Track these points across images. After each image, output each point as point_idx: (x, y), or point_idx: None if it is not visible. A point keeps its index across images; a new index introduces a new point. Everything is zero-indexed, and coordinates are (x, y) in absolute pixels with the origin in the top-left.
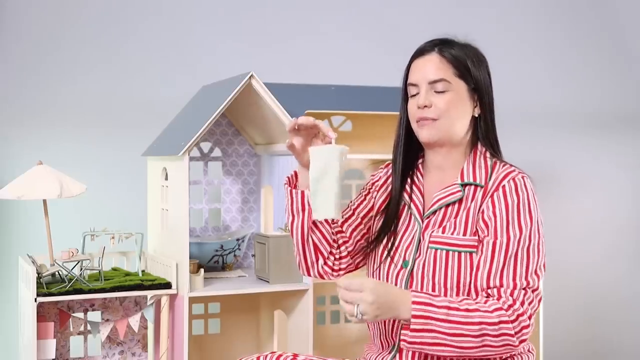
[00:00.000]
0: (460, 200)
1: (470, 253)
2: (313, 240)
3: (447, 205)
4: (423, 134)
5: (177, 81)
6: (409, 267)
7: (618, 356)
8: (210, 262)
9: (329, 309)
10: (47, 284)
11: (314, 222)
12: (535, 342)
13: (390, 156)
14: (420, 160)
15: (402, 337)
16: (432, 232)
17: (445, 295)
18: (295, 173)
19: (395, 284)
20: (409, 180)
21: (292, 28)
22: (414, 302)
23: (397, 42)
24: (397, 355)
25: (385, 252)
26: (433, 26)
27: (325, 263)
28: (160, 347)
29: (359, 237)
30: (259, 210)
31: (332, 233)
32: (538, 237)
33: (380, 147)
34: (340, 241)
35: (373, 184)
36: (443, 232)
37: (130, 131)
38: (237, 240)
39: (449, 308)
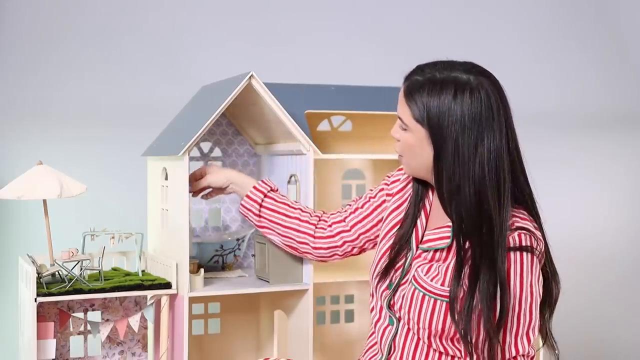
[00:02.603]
0: (450, 246)
1: (447, 302)
2: (290, 245)
3: (436, 250)
4: (402, 166)
5: (177, 81)
6: (391, 290)
7: (619, 357)
8: (210, 262)
9: (329, 309)
10: (47, 284)
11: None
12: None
13: (389, 156)
14: None
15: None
16: (419, 266)
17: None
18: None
19: (379, 298)
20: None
21: (292, 28)
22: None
23: (397, 42)
24: None
25: (382, 268)
26: (433, 27)
27: (313, 250)
28: (160, 347)
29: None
30: None
31: (302, 224)
32: (530, 300)
33: (380, 147)
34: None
35: (385, 191)
36: (427, 272)
37: (130, 131)
38: (237, 240)
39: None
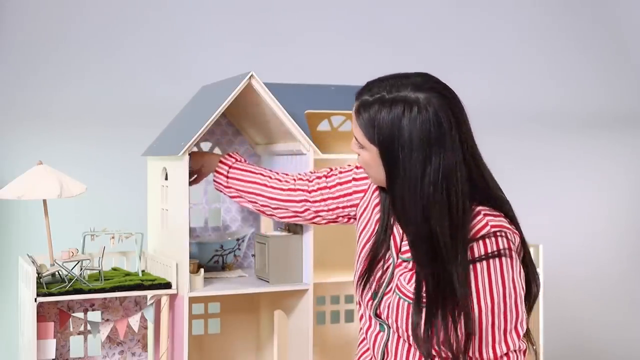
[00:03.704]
0: None
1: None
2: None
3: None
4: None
5: (177, 81)
6: (376, 300)
7: (621, 358)
8: (210, 262)
9: (329, 309)
10: (47, 284)
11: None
12: (536, 332)
13: None
14: None
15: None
16: (401, 275)
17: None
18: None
19: (366, 307)
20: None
21: (292, 28)
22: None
23: (397, 43)
24: None
25: (362, 278)
26: (434, 27)
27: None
28: (160, 347)
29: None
30: None
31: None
32: (515, 296)
33: None
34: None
35: (359, 185)
36: (409, 281)
37: (130, 131)
38: (237, 240)
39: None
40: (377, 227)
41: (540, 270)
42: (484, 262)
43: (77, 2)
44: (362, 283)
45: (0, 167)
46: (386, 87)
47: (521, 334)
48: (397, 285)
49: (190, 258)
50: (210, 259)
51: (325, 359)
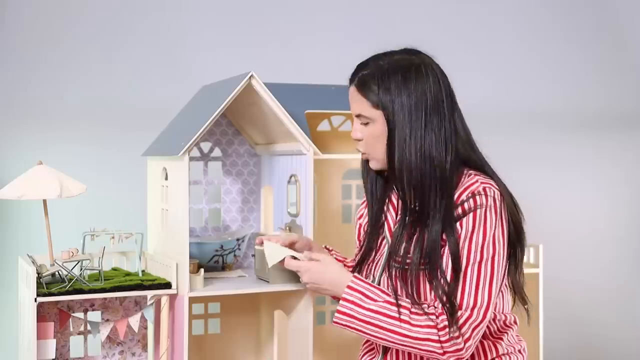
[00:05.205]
0: None
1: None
2: None
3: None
4: (370, 164)
5: (176, 81)
6: (375, 282)
7: (619, 358)
8: (210, 262)
9: (329, 309)
10: (47, 284)
11: None
12: (535, 345)
13: None
14: None
15: (333, 319)
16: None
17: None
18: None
19: None
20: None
21: (292, 28)
22: (343, 299)
23: (397, 42)
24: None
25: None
26: (434, 26)
27: None
28: (160, 347)
29: None
30: (259, 210)
31: None
32: (493, 251)
33: None
34: None
35: (360, 224)
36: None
37: (130, 131)
38: (237, 240)
39: (376, 312)
40: (367, 214)
41: (540, 270)
42: (470, 214)
43: (77, 2)
44: (359, 271)
45: (0, 167)
46: (381, 59)
47: (493, 294)
48: (393, 259)
49: (190, 258)
50: (210, 259)
51: (325, 359)
